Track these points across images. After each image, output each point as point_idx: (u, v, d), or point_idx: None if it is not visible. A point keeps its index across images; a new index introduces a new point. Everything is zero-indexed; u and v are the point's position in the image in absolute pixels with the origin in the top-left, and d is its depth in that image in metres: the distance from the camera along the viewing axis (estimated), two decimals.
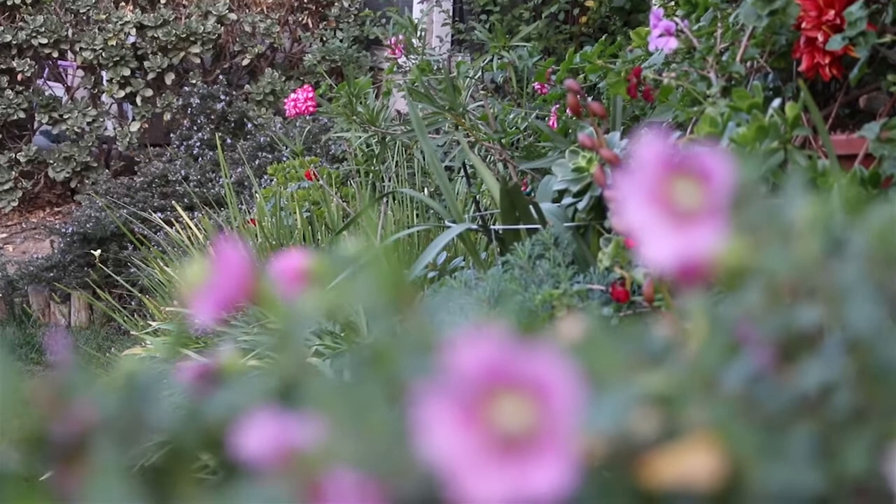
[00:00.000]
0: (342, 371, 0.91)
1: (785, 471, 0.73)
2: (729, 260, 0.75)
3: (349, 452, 0.68)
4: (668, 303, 1.69)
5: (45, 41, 10.46)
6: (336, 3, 8.20)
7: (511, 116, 4.32)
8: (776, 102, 3.25)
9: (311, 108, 4.67)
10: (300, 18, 8.99)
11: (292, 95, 4.71)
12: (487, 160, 4.09)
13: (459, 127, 4.31)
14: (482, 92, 4.71)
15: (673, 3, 3.77)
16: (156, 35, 9.68)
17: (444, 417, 0.67)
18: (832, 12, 3.23)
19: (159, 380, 0.78)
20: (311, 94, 4.72)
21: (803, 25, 3.29)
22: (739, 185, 0.88)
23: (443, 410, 0.67)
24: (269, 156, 7.27)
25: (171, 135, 9.22)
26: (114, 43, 10.15)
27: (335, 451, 0.68)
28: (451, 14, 5.79)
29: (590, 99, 3.48)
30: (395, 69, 4.95)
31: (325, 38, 7.32)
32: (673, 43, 3.67)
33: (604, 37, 4.27)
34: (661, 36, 3.65)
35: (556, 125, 3.66)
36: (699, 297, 0.97)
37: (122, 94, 10.32)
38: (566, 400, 0.65)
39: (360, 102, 4.83)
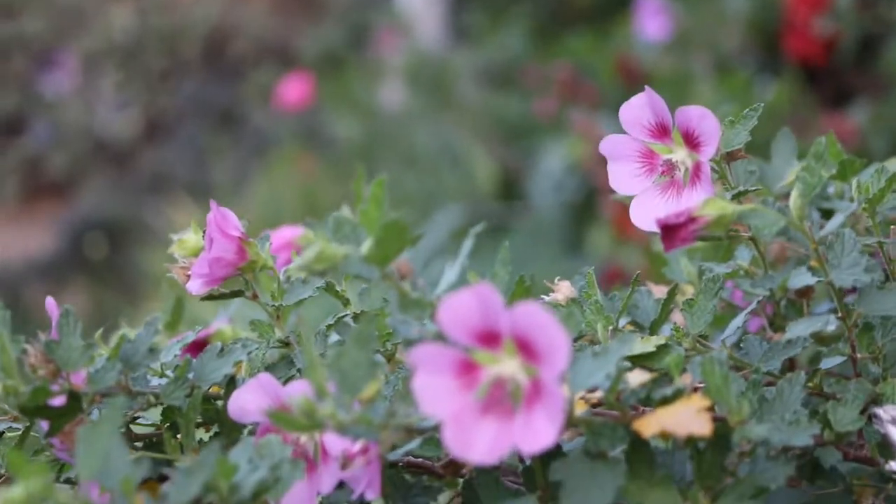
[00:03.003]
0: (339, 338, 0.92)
1: (775, 430, 0.73)
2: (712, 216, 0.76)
3: (339, 417, 0.69)
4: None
5: (40, 38, 10.45)
6: None
7: (505, 102, 4.32)
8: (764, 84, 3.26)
9: (305, 100, 4.67)
10: (293, 9, 8.97)
11: (286, 87, 4.71)
12: (482, 147, 4.09)
13: (454, 115, 4.32)
14: (478, 80, 4.71)
15: None
16: (150, 31, 9.69)
17: (434, 379, 0.68)
18: None
19: (151, 342, 0.79)
20: (305, 86, 4.72)
21: (792, 10, 3.29)
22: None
23: (433, 371, 0.68)
24: (265, 148, 7.26)
25: (167, 130, 9.22)
26: (109, 39, 10.15)
27: (326, 416, 0.68)
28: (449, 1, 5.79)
29: (583, 83, 3.49)
30: (390, 59, 4.95)
31: (319, 30, 7.32)
32: (664, 28, 3.68)
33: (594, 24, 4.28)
34: (650, 21, 3.66)
35: (550, 110, 3.66)
36: (688, 262, 0.98)
37: (117, 89, 10.31)
38: (555, 356, 0.66)
39: (354, 93, 4.83)
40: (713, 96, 3.24)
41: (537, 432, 0.66)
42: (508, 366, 0.68)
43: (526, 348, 0.67)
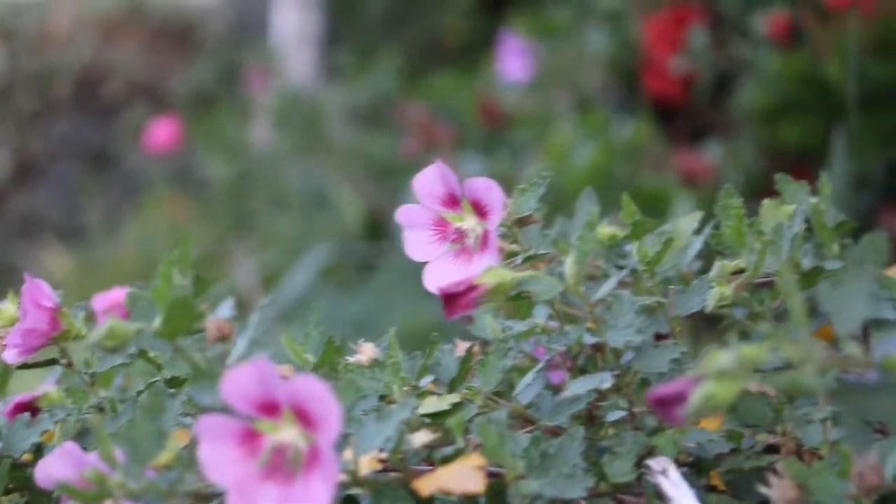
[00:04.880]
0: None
1: (549, 485, 0.78)
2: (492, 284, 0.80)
3: (129, 486, 0.72)
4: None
5: None
6: (201, 31, 8.18)
7: (374, 141, 4.36)
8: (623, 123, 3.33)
9: (174, 141, 4.68)
10: (166, 49, 8.95)
11: (155, 128, 4.71)
12: (351, 187, 4.12)
13: (324, 155, 4.35)
14: (347, 119, 4.75)
15: (526, 28, 3.84)
16: (21, 71, 9.60)
17: (219, 447, 0.72)
18: (676, 38, 3.31)
19: None
20: (174, 127, 4.73)
21: (649, 50, 3.37)
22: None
23: (217, 440, 0.72)
24: (138, 190, 7.23)
25: (38, 172, 9.14)
26: None
27: (116, 485, 0.72)
28: (321, 38, 5.82)
29: (440, 125, 3.55)
30: (260, 98, 4.97)
31: (191, 69, 7.32)
32: (526, 68, 3.74)
33: (459, 65, 4.33)
34: (512, 61, 3.72)
35: (413, 151, 3.71)
36: (493, 320, 1.02)
37: None
38: (329, 423, 0.70)
39: (225, 133, 4.85)
40: (574, 134, 3.31)
41: (313, 495, 0.70)
42: (288, 433, 0.72)
43: (303, 417, 0.71)
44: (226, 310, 1.10)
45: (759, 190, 2.89)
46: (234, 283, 3.78)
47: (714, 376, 0.64)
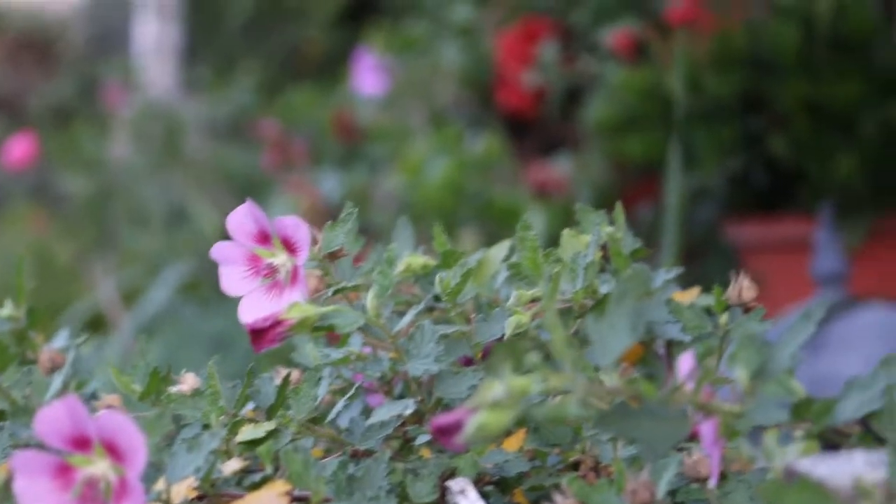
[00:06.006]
0: None
1: None
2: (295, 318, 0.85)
3: None
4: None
5: None
6: (60, 44, 8.10)
7: (234, 156, 4.38)
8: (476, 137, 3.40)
9: (31, 156, 4.65)
10: (26, 63, 8.85)
11: (11, 144, 4.68)
12: (210, 202, 4.14)
13: (183, 169, 4.36)
14: (207, 133, 4.76)
15: (382, 43, 3.89)
16: None
17: (34, 481, 0.76)
18: (527, 53, 3.38)
19: None
20: (32, 142, 4.70)
21: (502, 65, 3.44)
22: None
23: (32, 475, 0.76)
24: None
25: None
26: None
27: None
28: (181, 51, 5.81)
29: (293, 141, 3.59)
30: (120, 112, 4.96)
31: (49, 83, 7.25)
32: (381, 82, 3.79)
33: (314, 81, 4.37)
34: (368, 76, 3.77)
35: (270, 166, 3.75)
36: (313, 347, 1.08)
37: None
38: (135, 456, 0.74)
39: (84, 148, 4.83)
40: (427, 149, 3.37)
41: None
42: (99, 467, 0.77)
43: (112, 450, 0.76)
44: (61, 340, 1.14)
45: (608, 201, 2.98)
46: (95, 299, 3.77)
47: (487, 406, 0.70)
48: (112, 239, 4.49)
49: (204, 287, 3.64)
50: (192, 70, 5.67)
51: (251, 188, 4.10)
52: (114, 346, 3.00)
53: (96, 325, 3.50)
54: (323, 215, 3.30)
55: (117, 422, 0.74)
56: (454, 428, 0.71)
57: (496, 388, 0.70)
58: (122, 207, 4.54)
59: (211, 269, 3.26)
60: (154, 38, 6.03)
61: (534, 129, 3.65)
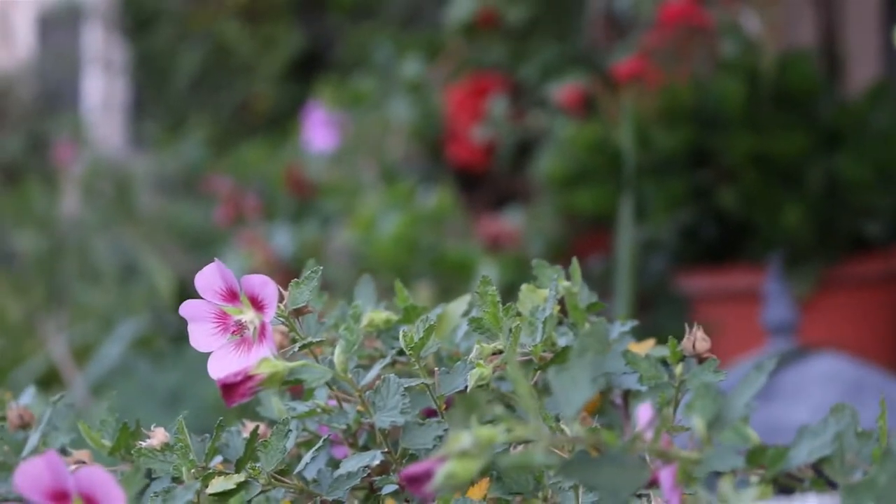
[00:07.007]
0: None
1: None
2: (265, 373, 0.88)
3: None
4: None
5: None
6: (8, 100, 8.11)
7: (184, 211, 4.40)
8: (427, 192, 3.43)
9: None
10: None
11: None
12: (161, 257, 4.15)
13: (133, 225, 4.38)
14: (157, 189, 4.78)
15: (332, 97, 3.93)
16: None
17: None
18: (477, 107, 3.42)
19: None
20: None
21: (452, 119, 3.48)
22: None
23: None
24: None
25: None
26: None
27: None
28: (129, 107, 5.83)
29: (246, 196, 3.62)
30: (69, 169, 4.97)
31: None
32: (331, 137, 3.83)
33: (264, 136, 4.41)
34: (318, 131, 3.80)
35: (223, 220, 3.77)
36: (278, 401, 1.10)
37: None
38: None
39: (34, 205, 4.84)
40: (379, 204, 3.40)
41: None
42: None
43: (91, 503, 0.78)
44: (27, 397, 1.16)
45: (560, 253, 3.03)
46: (47, 356, 3.77)
47: (455, 456, 0.72)
48: (64, 295, 4.49)
49: (157, 342, 3.65)
50: (141, 126, 5.68)
51: (203, 243, 4.12)
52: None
53: (49, 381, 3.50)
54: (276, 270, 3.33)
55: (97, 477, 0.76)
56: (424, 477, 0.73)
57: (464, 438, 0.72)
58: (74, 264, 4.53)
59: (164, 325, 3.27)
60: (102, 94, 6.04)
61: (485, 183, 3.69)
